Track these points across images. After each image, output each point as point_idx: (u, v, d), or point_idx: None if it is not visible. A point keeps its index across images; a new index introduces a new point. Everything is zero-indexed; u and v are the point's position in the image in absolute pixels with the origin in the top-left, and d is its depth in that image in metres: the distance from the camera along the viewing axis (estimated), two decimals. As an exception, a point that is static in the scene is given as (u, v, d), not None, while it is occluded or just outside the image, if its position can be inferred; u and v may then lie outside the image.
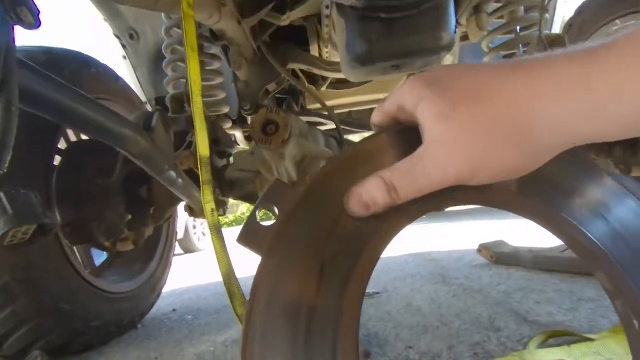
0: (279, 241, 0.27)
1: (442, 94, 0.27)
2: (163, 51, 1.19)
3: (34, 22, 0.49)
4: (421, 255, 1.88)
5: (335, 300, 0.25)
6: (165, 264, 1.46)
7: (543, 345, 0.69)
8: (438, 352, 0.75)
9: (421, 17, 0.85)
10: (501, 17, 1.07)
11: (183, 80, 1.16)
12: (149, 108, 1.58)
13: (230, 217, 19.38)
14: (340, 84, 1.63)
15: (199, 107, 0.60)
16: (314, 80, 1.54)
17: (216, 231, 0.59)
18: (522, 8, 1.04)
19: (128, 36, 1.47)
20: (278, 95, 1.61)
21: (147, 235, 1.17)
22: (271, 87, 1.35)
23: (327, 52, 1.31)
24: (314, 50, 1.32)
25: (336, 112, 1.79)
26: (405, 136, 0.29)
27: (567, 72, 0.25)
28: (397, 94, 0.30)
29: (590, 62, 0.24)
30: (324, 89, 1.58)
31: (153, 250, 1.42)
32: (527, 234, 2.20)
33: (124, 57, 1.54)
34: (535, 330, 0.78)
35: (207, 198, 0.58)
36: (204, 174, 0.58)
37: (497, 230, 2.49)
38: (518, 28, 1.05)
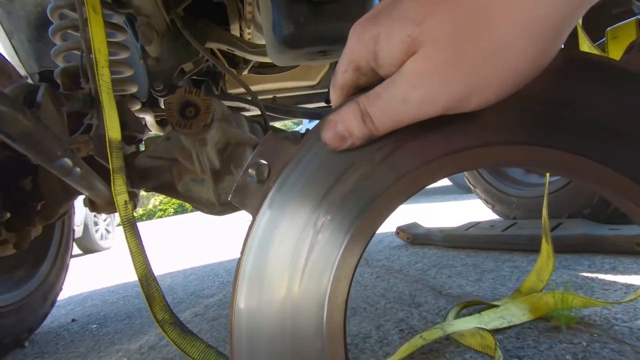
0: (271, 202, 0.25)
1: (397, 16, 0.21)
2: (48, 15, 0.99)
3: None
4: (344, 240, 1.94)
5: (331, 256, 0.24)
6: (60, 268, 1.25)
7: (458, 315, 0.76)
8: (367, 332, 0.77)
9: (349, 4, 0.85)
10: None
11: (77, 52, 0.98)
12: (31, 84, 1.31)
13: (140, 210, 17.67)
14: (263, 69, 1.57)
15: (106, 80, 0.51)
16: (235, 63, 1.45)
17: (130, 227, 0.51)
18: None
19: (-3, -7, 1.19)
20: (195, 77, 1.48)
21: (34, 235, 0.98)
22: (187, 66, 1.23)
23: (249, 34, 1.24)
24: (235, 30, 1.23)
25: (259, 97, 1.72)
26: None
27: None
28: (345, 57, 0.25)
29: None
30: (245, 73, 1.50)
31: (44, 252, 1.20)
32: (436, 215, 2.45)
33: (-7, 19, 1.25)
34: (450, 302, 0.87)
35: (119, 188, 0.50)
36: (115, 160, 0.49)
37: (410, 212, 2.72)
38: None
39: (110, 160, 0.48)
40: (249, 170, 0.26)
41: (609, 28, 0.63)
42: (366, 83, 0.25)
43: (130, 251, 0.50)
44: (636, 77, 0.22)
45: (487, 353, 0.59)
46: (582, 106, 0.23)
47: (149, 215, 17.57)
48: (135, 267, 0.50)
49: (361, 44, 0.23)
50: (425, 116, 0.22)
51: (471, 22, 0.20)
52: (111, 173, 0.48)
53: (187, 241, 3.89)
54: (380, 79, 0.23)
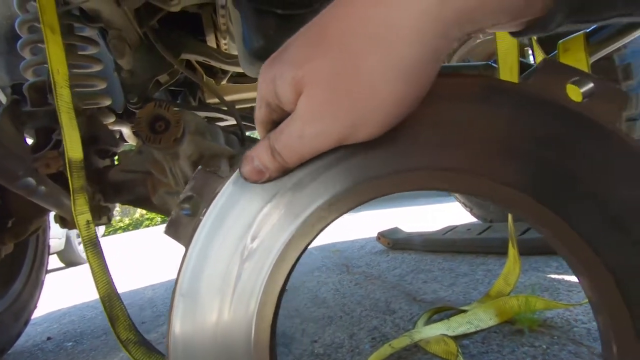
0: (200, 234, 0.27)
1: (286, 60, 0.24)
2: (17, 29, 0.98)
3: None
4: (326, 247, 1.95)
5: (258, 282, 0.26)
6: (34, 285, 1.22)
7: (429, 321, 0.78)
8: (340, 342, 0.78)
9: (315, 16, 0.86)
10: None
11: (46, 66, 0.97)
12: (3, 97, 1.29)
13: (127, 220, 17.34)
14: (242, 78, 1.57)
15: (65, 100, 0.51)
16: (213, 72, 1.45)
17: (92, 247, 0.51)
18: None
19: (-34, 6, 1.17)
20: (172, 88, 1.48)
21: (5, 253, 0.97)
22: (163, 78, 1.23)
23: (225, 44, 1.24)
24: (211, 41, 1.24)
25: (238, 107, 1.72)
26: None
27: None
28: (258, 95, 0.27)
29: None
30: (224, 82, 1.50)
31: (16, 269, 1.18)
32: (420, 218, 2.47)
33: (-38, 32, 1.22)
34: (423, 307, 0.88)
35: (80, 208, 0.50)
36: (75, 180, 0.49)
37: (393, 217, 2.74)
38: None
39: (70, 181, 0.48)
40: (182, 205, 0.27)
41: (560, 41, 0.66)
42: (279, 118, 0.26)
43: (92, 272, 0.50)
44: (535, 99, 0.24)
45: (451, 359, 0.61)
46: (497, 128, 0.24)
47: (136, 225, 17.26)
48: (97, 287, 0.50)
49: (265, 83, 0.25)
50: (322, 149, 0.24)
51: (344, 64, 0.22)
52: (71, 194, 0.48)
53: (174, 251, 3.83)
54: (287, 115, 0.25)
